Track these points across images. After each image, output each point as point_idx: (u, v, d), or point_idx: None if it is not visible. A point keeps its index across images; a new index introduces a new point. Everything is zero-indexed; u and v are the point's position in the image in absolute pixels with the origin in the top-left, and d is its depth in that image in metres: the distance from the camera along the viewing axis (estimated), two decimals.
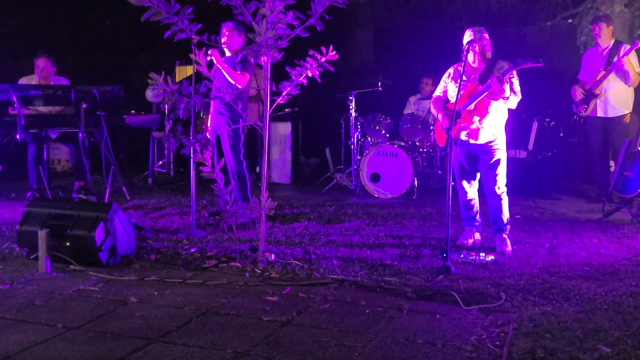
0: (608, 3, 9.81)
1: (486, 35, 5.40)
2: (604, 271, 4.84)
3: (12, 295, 4.26)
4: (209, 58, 6.08)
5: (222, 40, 6.46)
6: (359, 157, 8.62)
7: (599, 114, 7.76)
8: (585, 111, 7.84)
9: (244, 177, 6.57)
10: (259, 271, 4.83)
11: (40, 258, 4.76)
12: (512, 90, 5.28)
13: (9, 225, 6.24)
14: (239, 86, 6.23)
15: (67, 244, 4.93)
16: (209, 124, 6.88)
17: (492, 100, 5.32)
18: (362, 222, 6.63)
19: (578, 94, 7.87)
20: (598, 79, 7.62)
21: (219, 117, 6.57)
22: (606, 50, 7.69)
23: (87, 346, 3.42)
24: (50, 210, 5.12)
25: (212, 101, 6.38)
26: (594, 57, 7.85)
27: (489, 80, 5.19)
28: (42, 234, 4.73)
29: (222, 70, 6.29)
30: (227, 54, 6.58)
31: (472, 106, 5.35)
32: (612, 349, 3.34)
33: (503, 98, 5.25)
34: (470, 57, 5.40)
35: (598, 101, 7.70)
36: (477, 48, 5.34)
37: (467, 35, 5.41)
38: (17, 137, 7.12)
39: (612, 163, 8.31)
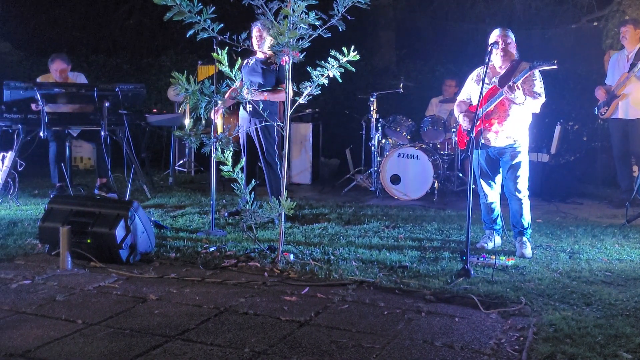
0: (634, 6, 9.71)
1: (511, 35, 5.36)
2: (625, 277, 4.78)
3: (33, 291, 4.30)
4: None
5: (254, 42, 6.48)
6: (379, 159, 8.59)
7: (620, 115, 7.71)
8: (606, 112, 7.78)
9: (278, 178, 6.59)
10: (278, 271, 4.83)
11: (61, 254, 4.81)
12: (533, 92, 5.24)
13: (32, 221, 6.31)
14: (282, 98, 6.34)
15: (88, 240, 4.97)
16: (237, 124, 6.93)
17: (512, 104, 5.28)
18: (382, 223, 6.61)
19: (601, 93, 7.83)
20: (621, 81, 7.58)
21: (253, 120, 6.59)
22: (632, 53, 7.64)
23: (106, 342, 3.44)
24: (72, 207, 5.17)
25: (243, 103, 6.42)
26: (620, 61, 7.80)
27: (501, 89, 5.18)
28: (63, 231, 4.77)
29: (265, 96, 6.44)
30: (260, 55, 6.59)
31: (492, 108, 5.32)
32: (634, 355, 3.30)
33: (515, 104, 5.23)
34: (494, 57, 5.36)
35: (620, 103, 7.64)
36: (500, 44, 5.30)
37: (492, 35, 5.37)
38: (41, 134, 7.20)
39: (635, 168, 8.22)
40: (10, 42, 13.83)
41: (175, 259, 5.15)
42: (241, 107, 6.79)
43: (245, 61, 6.71)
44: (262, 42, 6.50)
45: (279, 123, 5.41)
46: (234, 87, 5.61)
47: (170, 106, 10.90)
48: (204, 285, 4.50)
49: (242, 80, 6.38)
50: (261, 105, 5.89)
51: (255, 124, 6.53)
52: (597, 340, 3.49)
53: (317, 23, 4.92)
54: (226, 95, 6.25)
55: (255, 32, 6.51)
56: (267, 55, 6.47)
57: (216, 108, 6.52)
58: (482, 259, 5.14)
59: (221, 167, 5.24)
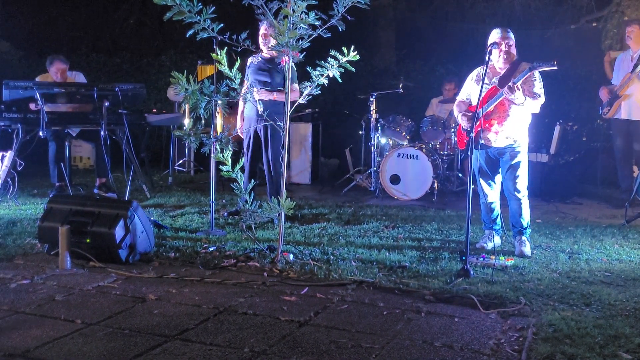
0: (634, 7, 9.71)
1: (512, 36, 5.36)
2: (625, 277, 4.78)
3: (32, 290, 4.30)
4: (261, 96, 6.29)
5: (261, 40, 6.47)
6: (379, 159, 8.59)
7: (623, 116, 7.71)
8: (608, 112, 7.78)
9: (280, 177, 6.58)
10: (277, 271, 4.83)
11: (60, 254, 4.80)
12: (533, 93, 5.24)
13: (31, 221, 6.30)
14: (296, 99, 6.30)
15: (88, 240, 4.97)
16: (238, 124, 6.93)
17: (512, 104, 5.28)
18: (381, 223, 6.60)
19: (604, 94, 7.82)
20: (624, 81, 7.58)
21: (260, 119, 6.58)
22: (636, 54, 7.63)
23: (105, 342, 3.44)
24: (71, 206, 5.16)
25: (248, 102, 6.41)
26: (625, 61, 7.80)
27: (501, 89, 5.19)
28: (62, 230, 4.77)
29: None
30: (266, 54, 6.58)
31: (491, 108, 5.32)
32: (633, 355, 3.30)
33: (514, 105, 5.23)
34: (495, 57, 5.35)
35: (623, 103, 7.64)
36: (503, 47, 5.30)
37: (493, 35, 5.36)
38: (40, 134, 7.19)
39: (635, 168, 8.21)
40: (9, 42, 13.83)
41: (174, 259, 5.14)
42: (247, 107, 6.77)
43: (251, 59, 6.70)
44: (268, 40, 6.48)
45: (279, 123, 5.41)
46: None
47: (170, 106, 10.90)
48: (204, 285, 4.50)
49: (246, 79, 6.40)
50: (262, 106, 5.89)
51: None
52: (597, 340, 3.49)
53: (317, 23, 4.92)
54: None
55: (262, 30, 6.50)
56: (273, 54, 6.46)
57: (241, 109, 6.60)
58: (481, 259, 5.14)
59: (220, 167, 5.24)
